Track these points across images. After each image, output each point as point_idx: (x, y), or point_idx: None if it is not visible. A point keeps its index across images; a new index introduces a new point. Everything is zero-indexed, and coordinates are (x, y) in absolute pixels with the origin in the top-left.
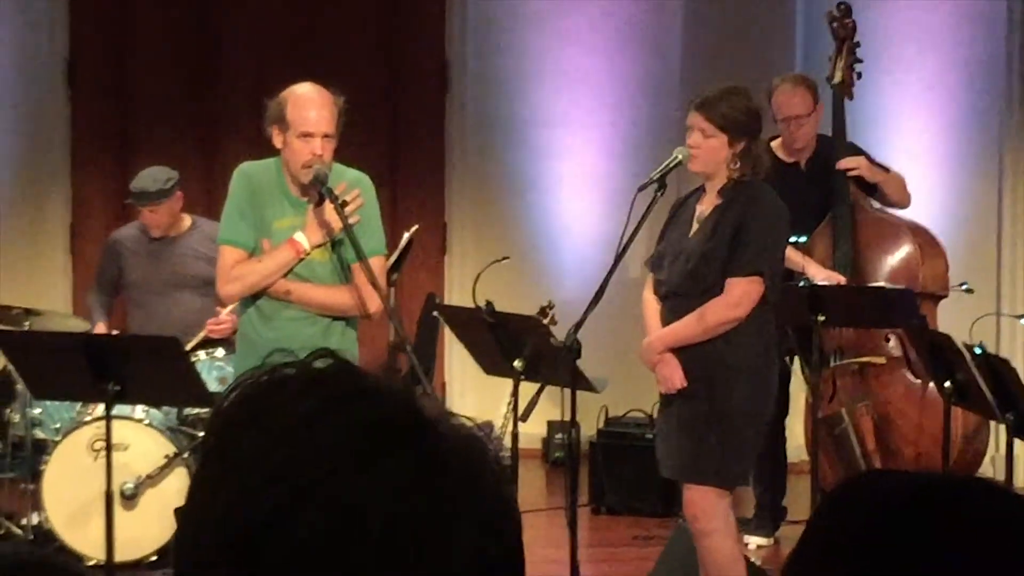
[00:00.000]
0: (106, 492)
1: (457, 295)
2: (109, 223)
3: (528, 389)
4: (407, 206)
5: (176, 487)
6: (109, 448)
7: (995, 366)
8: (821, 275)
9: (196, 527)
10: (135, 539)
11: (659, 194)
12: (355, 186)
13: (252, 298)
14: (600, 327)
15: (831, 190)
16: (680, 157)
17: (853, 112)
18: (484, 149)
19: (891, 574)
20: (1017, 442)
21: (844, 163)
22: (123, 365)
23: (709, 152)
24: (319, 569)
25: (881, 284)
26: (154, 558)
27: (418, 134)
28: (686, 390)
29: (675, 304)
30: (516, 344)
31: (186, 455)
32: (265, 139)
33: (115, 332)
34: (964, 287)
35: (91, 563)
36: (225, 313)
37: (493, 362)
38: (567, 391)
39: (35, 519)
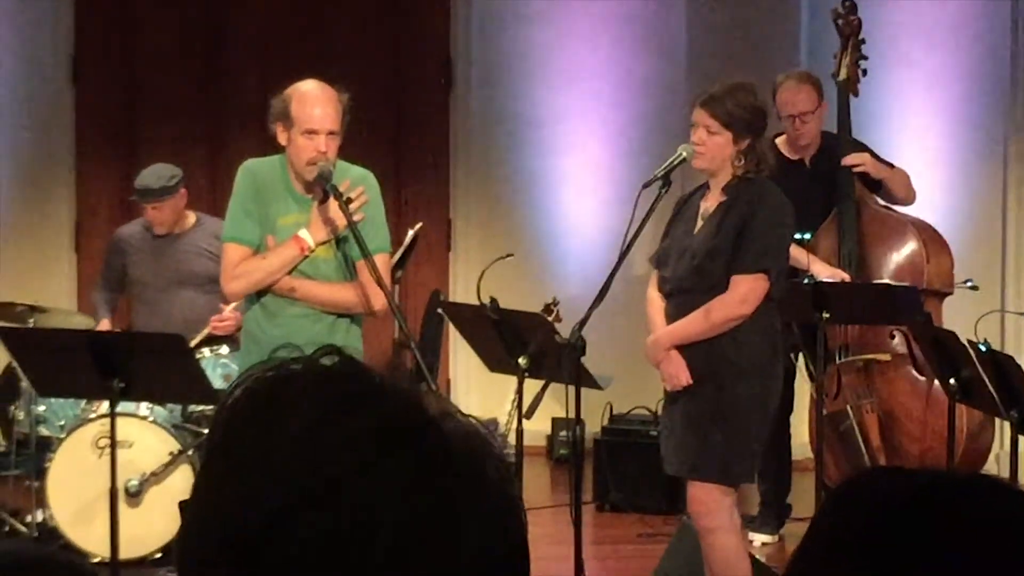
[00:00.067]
0: (110, 489)
1: (461, 292)
2: (114, 220)
3: (532, 386)
4: (411, 203)
5: (181, 484)
6: (114, 445)
7: (1000, 363)
8: (826, 272)
9: (199, 525)
10: (139, 536)
11: (663, 191)
12: (359, 183)
13: (257, 295)
14: (604, 324)
15: (836, 187)
16: (684, 154)
17: (858, 109)
18: (488, 146)
19: (896, 571)
20: (1022, 439)
21: (849, 159)
22: (128, 362)
23: (714, 149)
24: (322, 570)
25: (886, 281)
26: (159, 555)
27: (422, 131)
28: (691, 387)
29: (680, 301)
30: (520, 341)
31: (190, 452)
32: (270, 136)
33: (116, 330)
34: (969, 284)
35: (96, 560)
36: (228, 310)
37: (497, 359)
38: (571, 388)
39: (40, 516)
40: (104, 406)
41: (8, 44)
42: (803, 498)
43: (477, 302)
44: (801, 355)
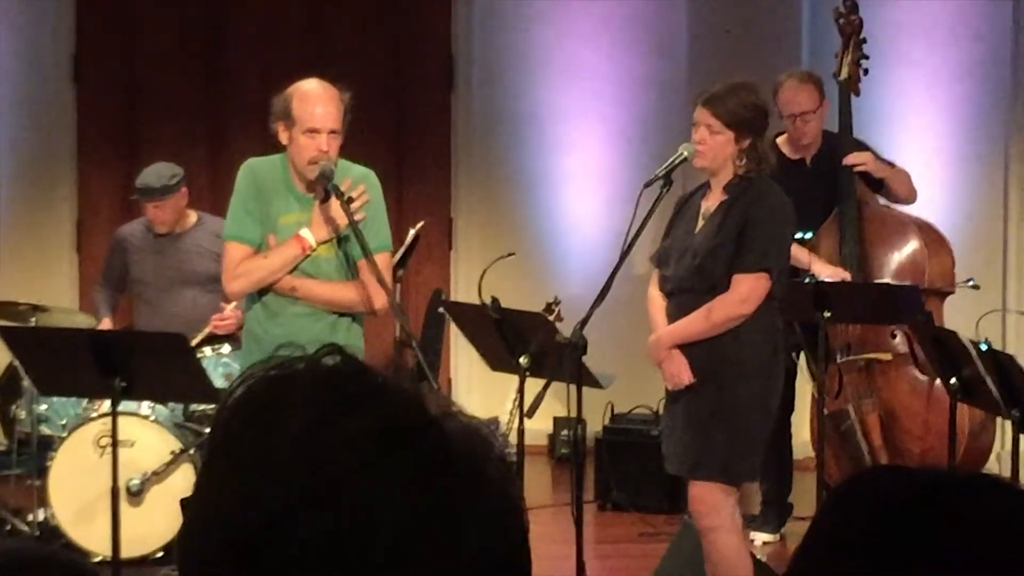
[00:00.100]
0: (112, 488)
1: (463, 291)
2: (115, 219)
3: (534, 385)
4: (413, 202)
5: (182, 483)
6: (115, 444)
7: (1001, 362)
8: (827, 272)
9: (200, 525)
10: (141, 536)
11: (665, 190)
12: (361, 182)
13: (258, 294)
14: (606, 323)
15: (837, 186)
16: (686, 153)
17: (859, 108)
18: (490, 145)
19: (897, 571)
20: (1023, 438)
21: (850, 159)
22: (129, 361)
23: (715, 148)
24: (322, 570)
25: (887, 280)
26: (160, 554)
27: (424, 130)
28: (692, 386)
29: (681, 300)
30: (522, 340)
31: (192, 451)
32: (271, 135)
33: (117, 329)
34: (970, 283)
35: (97, 559)
36: (230, 309)
37: (499, 358)
38: (573, 387)
39: (41, 515)
40: (105, 405)
41: (9, 44)
42: (804, 497)
43: (478, 301)
44: (802, 354)
